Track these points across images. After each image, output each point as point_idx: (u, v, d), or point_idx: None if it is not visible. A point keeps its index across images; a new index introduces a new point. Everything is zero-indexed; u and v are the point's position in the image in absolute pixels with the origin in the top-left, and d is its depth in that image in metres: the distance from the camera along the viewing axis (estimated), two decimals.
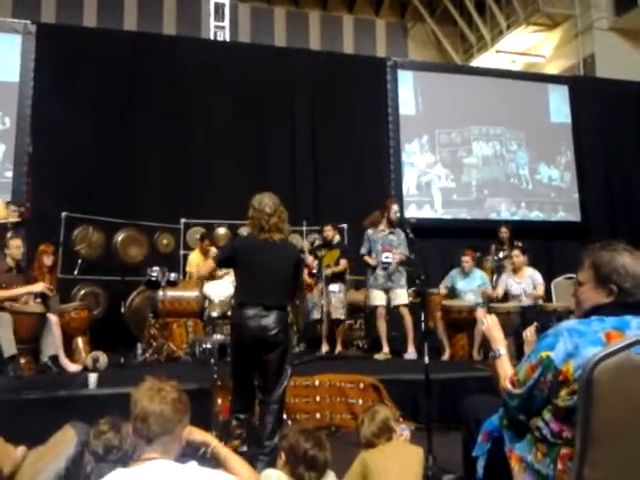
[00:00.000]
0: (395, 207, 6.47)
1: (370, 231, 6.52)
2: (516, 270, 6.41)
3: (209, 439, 2.11)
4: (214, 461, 2.10)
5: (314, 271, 6.72)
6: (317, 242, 7.44)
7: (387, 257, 6.28)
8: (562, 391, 1.90)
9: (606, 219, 10.09)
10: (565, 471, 1.89)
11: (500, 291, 6.45)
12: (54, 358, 5.35)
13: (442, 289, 6.78)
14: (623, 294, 2.00)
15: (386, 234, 6.41)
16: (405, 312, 6.35)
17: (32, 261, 6.41)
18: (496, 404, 2.30)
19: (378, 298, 6.38)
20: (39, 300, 5.53)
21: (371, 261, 6.42)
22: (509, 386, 2.12)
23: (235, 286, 3.71)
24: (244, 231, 3.81)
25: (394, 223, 6.40)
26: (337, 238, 7.08)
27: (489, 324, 2.50)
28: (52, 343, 5.34)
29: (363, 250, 6.52)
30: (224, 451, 2.12)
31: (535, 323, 2.58)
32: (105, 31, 10.33)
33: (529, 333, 2.53)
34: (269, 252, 3.53)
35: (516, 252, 6.46)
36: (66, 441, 2.35)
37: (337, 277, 6.68)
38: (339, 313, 6.62)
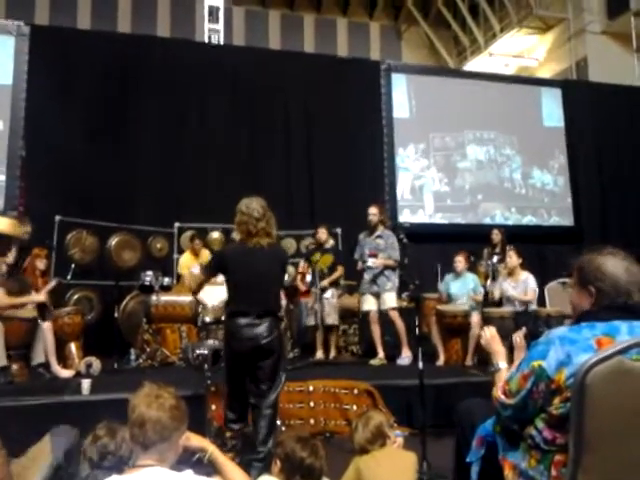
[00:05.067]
0: (369, 210, 6.46)
1: (361, 235, 6.55)
2: (511, 272, 6.40)
3: (206, 445, 2.11)
4: (209, 467, 2.10)
5: (308, 278, 6.72)
6: (311, 246, 7.44)
7: (371, 262, 6.30)
8: (555, 399, 1.89)
9: (599, 223, 10.13)
10: (559, 478, 1.89)
11: (498, 293, 6.44)
12: (43, 365, 5.34)
13: (442, 295, 6.82)
14: (600, 295, 2.00)
15: (373, 238, 6.42)
16: (395, 316, 6.35)
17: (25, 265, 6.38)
18: (491, 408, 2.28)
19: (368, 303, 6.40)
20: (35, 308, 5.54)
21: (358, 266, 6.45)
22: (502, 396, 2.11)
23: (227, 294, 3.70)
24: (236, 235, 3.80)
25: (372, 226, 6.41)
26: (331, 242, 7.08)
27: (488, 337, 2.48)
28: (42, 351, 5.32)
29: (355, 255, 6.55)
30: (221, 458, 2.11)
31: (524, 328, 2.58)
32: (99, 33, 10.30)
33: (518, 339, 2.52)
34: (258, 258, 3.52)
35: (510, 253, 6.44)
36: (45, 453, 2.34)
37: (331, 283, 6.70)
38: (332, 319, 6.61)
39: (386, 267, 6.30)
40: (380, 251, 6.33)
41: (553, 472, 1.92)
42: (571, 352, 1.87)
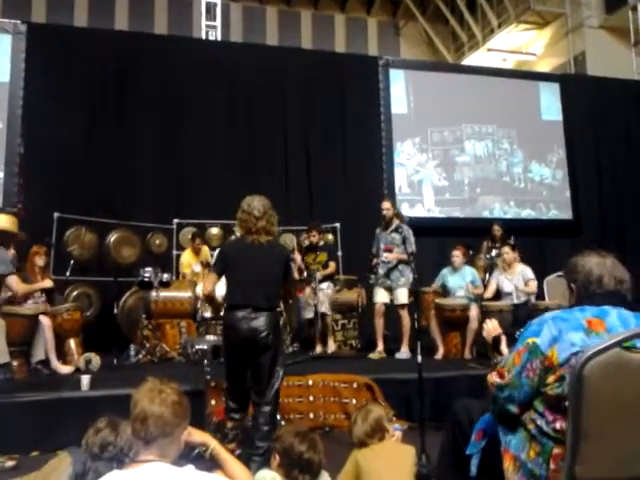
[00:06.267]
0: (382, 205, 6.46)
1: (378, 230, 6.54)
2: (507, 267, 6.44)
3: (208, 440, 2.11)
4: (209, 462, 2.11)
5: (304, 273, 6.75)
6: (305, 242, 7.46)
7: (385, 256, 6.31)
8: (549, 378, 1.97)
9: (597, 216, 10.15)
10: (558, 471, 1.92)
11: (491, 289, 6.47)
12: (43, 362, 5.36)
13: (434, 286, 6.82)
14: (577, 288, 2.16)
15: (389, 232, 6.42)
16: (402, 313, 6.36)
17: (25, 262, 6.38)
18: (487, 407, 2.32)
19: (379, 295, 6.42)
20: (43, 299, 5.69)
21: (373, 262, 6.46)
22: (497, 379, 2.15)
23: (226, 289, 3.72)
24: (237, 231, 3.84)
25: (387, 221, 6.41)
26: (329, 237, 7.10)
27: (490, 329, 2.51)
28: (42, 347, 5.34)
29: (373, 249, 6.55)
30: (223, 453, 2.12)
31: (493, 319, 2.60)
32: (96, 31, 10.28)
33: (491, 326, 2.53)
34: (256, 254, 3.56)
35: (506, 249, 6.49)
36: (61, 470, 2.35)
37: (326, 277, 6.73)
38: (324, 307, 6.65)
39: (400, 262, 6.30)
40: (396, 245, 6.32)
41: (552, 465, 1.95)
42: (562, 329, 1.98)
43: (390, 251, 6.32)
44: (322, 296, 6.63)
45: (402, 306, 6.35)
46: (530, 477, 2.01)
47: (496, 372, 2.17)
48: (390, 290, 6.37)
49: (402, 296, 6.32)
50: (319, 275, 6.61)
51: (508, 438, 2.14)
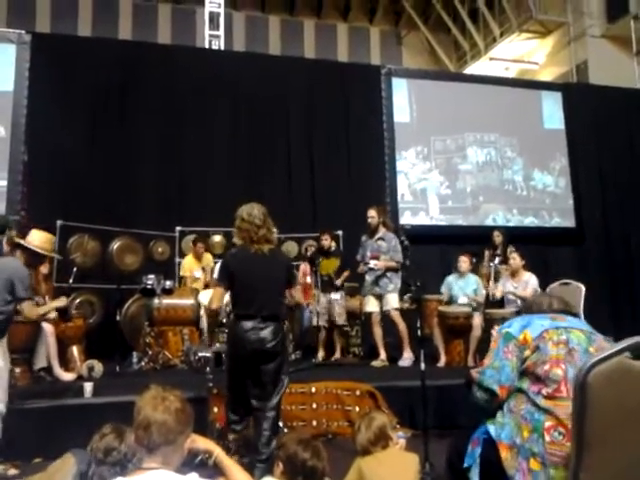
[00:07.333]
0: (368, 213, 6.48)
1: (364, 237, 6.55)
2: (514, 274, 6.41)
3: (212, 447, 2.11)
4: (211, 469, 2.11)
5: (308, 279, 6.75)
6: (312, 249, 7.46)
7: (373, 264, 6.31)
8: (526, 352, 2.25)
9: (600, 225, 10.12)
10: (553, 442, 2.05)
11: (498, 293, 6.44)
12: (46, 369, 5.34)
13: (443, 297, 6.81)
14: None
15: (375, 240, 6.42)
16: (396, 316, 6.36)
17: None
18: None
19: (370, 304, 6.42)
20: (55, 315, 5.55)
21: (360, 268, 6.46)
22: (478, 368, 2.41)
23: (231, 299, 3.71)
24: (237, 240, 3.80)
25: (373, 229, 6.42)
26: (334, 245, 7.11)
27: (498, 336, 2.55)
28: (44, 354, 5.33)
29: (358, 257, 6.55)
30: (227, 460, 2.12)
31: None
32: (100, 40, 10.34)
33: (495, 333, 2.62)
34: (261, 264, 3.56)
35: (514, 255, 6.46)
36: (65, 471, 2.35)
37: (338, 285, 6.72)
38: (342, 319, 6.67)
39: (388, 269, 6.30)
40: (382, 253, 6.34)
41: (547, 437, 2.07)
42: (531, 319, 2.36)
43: (377, 258, 6.33)
44: (338, 308, 6.65)
45: (394, 311, 6.33)
46: (530, 456, 2.09)
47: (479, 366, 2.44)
48: (379, 297, 6.36)
49: (392, 301, 6.33)
50: (339, 282, 6.66)
51: (498, 432, 2.22)
